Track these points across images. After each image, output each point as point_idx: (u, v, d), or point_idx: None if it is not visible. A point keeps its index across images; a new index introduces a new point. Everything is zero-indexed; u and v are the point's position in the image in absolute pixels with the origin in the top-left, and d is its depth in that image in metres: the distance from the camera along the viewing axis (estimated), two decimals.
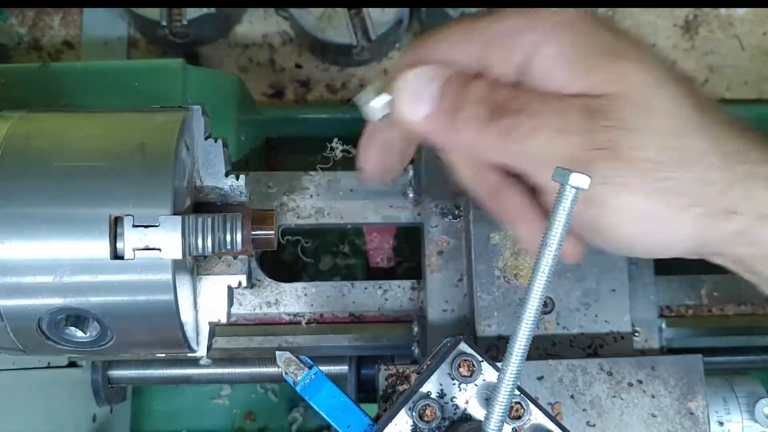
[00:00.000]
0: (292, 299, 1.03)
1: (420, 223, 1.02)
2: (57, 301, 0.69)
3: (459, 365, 0.76)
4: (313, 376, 0.78)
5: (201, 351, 0.81)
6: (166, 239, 0.68)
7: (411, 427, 0.75)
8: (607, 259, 0.94)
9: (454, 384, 0.76)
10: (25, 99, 1.08)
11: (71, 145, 0.73)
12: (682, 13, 1.52)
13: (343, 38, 1.34)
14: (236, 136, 1.14)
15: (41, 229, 0.68)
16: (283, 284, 1.03)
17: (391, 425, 0.75)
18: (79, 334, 0.72)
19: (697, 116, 0.68)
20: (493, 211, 0.77)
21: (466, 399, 0.76)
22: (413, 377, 0.82)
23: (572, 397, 0.86)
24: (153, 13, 1.32)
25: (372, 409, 0.80)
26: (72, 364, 1.11)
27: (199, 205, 0.83)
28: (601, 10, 1.51)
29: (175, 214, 0.69)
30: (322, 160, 1.01)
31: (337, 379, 1.15)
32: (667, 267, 1.05)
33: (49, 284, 0.68)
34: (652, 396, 0.87)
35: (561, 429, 0.75)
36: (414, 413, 0.75)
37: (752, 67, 1.52)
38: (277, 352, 0.79)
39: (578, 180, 0.59)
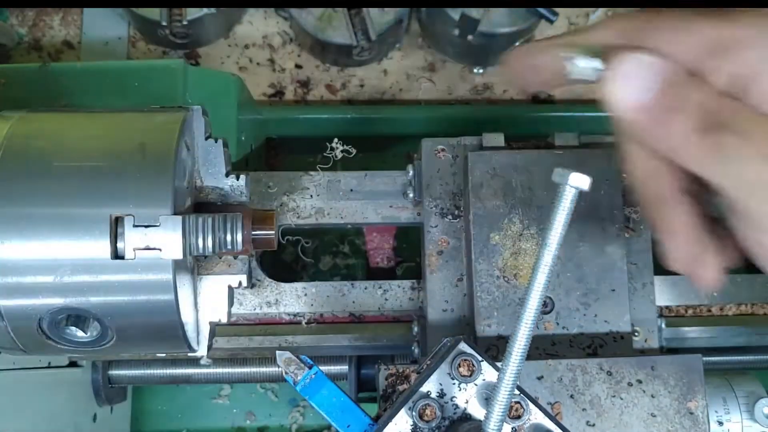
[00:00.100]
0: (292, 299, 1.03)
1: (420, 223, 1.02)
2: (57, 300, 0.70)
3: (459, 365, 0.76)
4: (313, 376, 0.78)
5: (201, 351, 0.81)
6: (167, 239, 0.68)
7: (411, 427, 0.75)
8: (607, 259, 0.95)
9: (454, 384, 0.76)
10: (25, 99, 1.08)
11: (71, 145, 0.73)
12: None
13: (343, 38, 1.34)
14: (236, 136, 1.14)
15: (41, 229, 0.68)
16: (283, 284, 1.04)
17: (391, 425, 0.75)
18: (80, 333, 0.72)
19: None
20: (651, 214, 0.73)
21: (466, 399, 0.76)
22: (413, 377, 0.82)
23: (572, 396, 0.87)
24: (153, 13, 1.32)
25: (372, 408, 0.80)
26: (72, 364, 1.11)
27: (200, 205, 0.83)
28: (600, 10, 1.51)
29: (175, 214, 0.69)
30: (322, 160, 1.01)
31: (337, 379, 1.15)
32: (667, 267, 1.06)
33: (50, 284, 0.69)
34: (652, 396, 0.87)
35: (561, 429, 0.75)
36: (414, 413, 0.75)
37: None
38: (278, 352, 0.79)
39: (578, 180, 0.59)
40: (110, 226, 0.68)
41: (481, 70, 1.48)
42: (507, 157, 0.97)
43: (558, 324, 0.94)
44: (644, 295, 0.98)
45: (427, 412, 0.75)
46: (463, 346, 0.77)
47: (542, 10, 1.30)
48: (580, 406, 0.86)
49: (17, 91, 1.09)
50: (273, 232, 0.83)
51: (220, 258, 0.83)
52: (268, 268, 1.09)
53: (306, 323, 1.04)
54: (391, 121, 1.40)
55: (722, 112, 0.63)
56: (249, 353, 1.10)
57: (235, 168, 0.87)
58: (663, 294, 1.03)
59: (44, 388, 1.04)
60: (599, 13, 1.51)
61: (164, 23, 1.32)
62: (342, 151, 1.01)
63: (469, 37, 1.34)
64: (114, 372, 1.17)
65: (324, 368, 1.15)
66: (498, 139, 1.01)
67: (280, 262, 1.45)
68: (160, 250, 0.68)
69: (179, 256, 0.69)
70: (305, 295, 1.03)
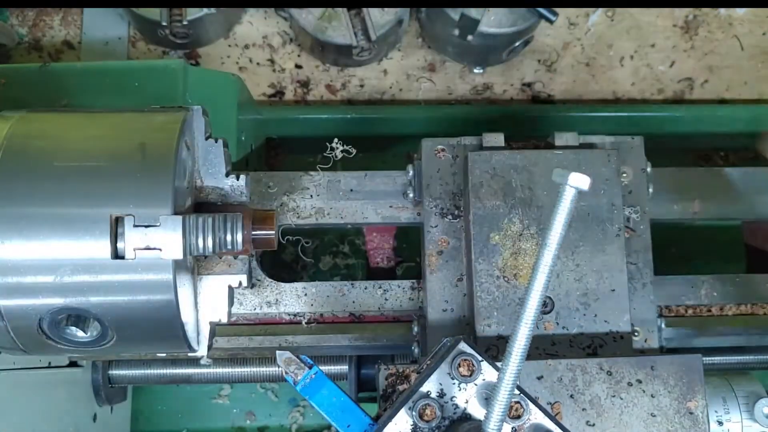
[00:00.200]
0: (292, 299, 1.03)
1: (420, 223, 1.02)
2: (58, 300, 0.70)
3: (459, 365, 0.76)
4: (313, 376, 0.78)
5: (201, 351, 0.81)
6: (167, 239, 0.68)
7: (411, 427, 0.75)
8: (607, 259, 0.95)
9: (453, 383, 0.76)
10: (25, 99, 1.08)
11: (71, 145, 0.73)
12: (681, 13, 1.52)
13: (343, 38, 1.34)
14: (236, 136, 1.14)
15: (41, 229, 0.68)
16: (283, 284, 1.04)
17: (391, 424, 0.75)
18: (80, 333, 0.72)
19: None
20: None
21: (466, 398, 0.76)
22: (413, 377, 0.82)
23: (572, 396, 0.87)
24: (153, 13, 1.32)
25: (372, 408, 0.80)
26: (73, 364, 1.11)
27: (200, 205, 0.83)
28: (600, 10, 1.51)
29: (175, 214, 0.69)
30: (322, 160, 1.01)
31: (337, 379, 1.15)
32: (667, 267, 1.06)
33: (50, 284, 0.69)
34: (652, 396, 0.87)
35: (561, 428, 0.76)
36: (414, 413, 0.75)
37: (752, 68, 1.52)
38: (278, 352, 0.79)
39: (578, 180, 0.59)
40: (110, 226, 0.68)
41: (481, 70, 1.48)
42: (507, 157, 0.97)
43: (558, 324, 0.94)
44: (644, 295, 0.98)
45: (427, 411, 0.75)
46: (463, 346, 0.77)
47: (542, 10, 1.30)
48: (580, 406, 0.86)
49: (17, 91, 1.09)
50: (273, 232, 0.83)
51: (220, 258, 0.83)
52: (268, 268, 1.09)
53: (306, 323, 1.04)
54: (391, 121, 1.40)
55: None
56: (249, 353, 1.10)
57: (235, 168, 0.87)
58: (663, 294, 1.03)
59: (44, 388, 1.04)
60: (599, 12, 1.51)
61: (164, 23, 1.32)
62: (342, 151, 1.01)
63: (469, 37, 1.34)
64: (114, 372, 1.17)
65: (324, 368, 1.15)
66: (498, 139, 1.01)
67: (280, 262, 1.45)
68: (160, 250, 0.68)
69: (179, 256, 0.69)
70: (305, 295, 1.03)
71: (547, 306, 0.94)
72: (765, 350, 1.16)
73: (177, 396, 1.43)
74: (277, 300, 1.03)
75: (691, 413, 0.86)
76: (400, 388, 0.83)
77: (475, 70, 1.48)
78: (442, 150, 1.02)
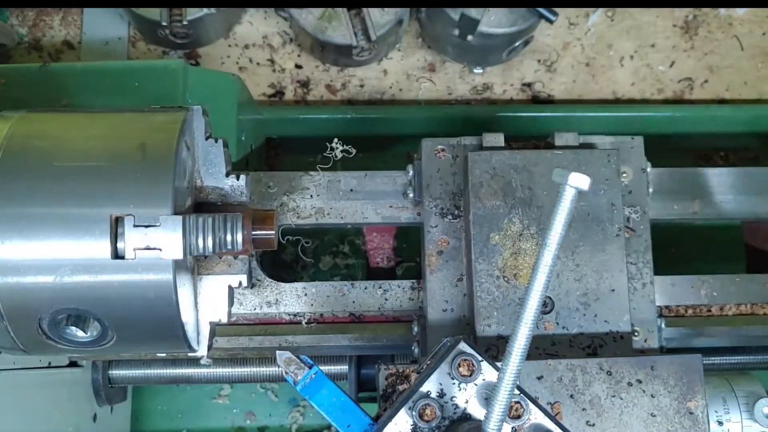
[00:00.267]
0: (292, 299, 1.03)
1: (420, 223, 1.02)
2: (58, 300, 0.70)
3: (459, 365, 0.76)
4: (313, 376, 0.78)
5: (201, 351, 0.81)
6: (167, 239, 0.68)
7: (411, 427, 0.75)
8: (607, 259, 0.95)
9: (453, 383, 0.76)
10: (25, 99, 1.08)
11: (71, 145, 0.73)
12: (681, 13, 1.52)
13: (343, 38, 1.34)
14: (236, 136, 1.14)
15: (41, 229, 0.68)
16: (283, 284, 1.04)
17: (391, 424, 0.75)
18: (80, 333, 0.72)
19: None
20: None
21: (466, 398, 0.76)
22: (413, 377, 0.82)
23: (572, 396, 0.87)
24: (153, 13, 1.32)
25: (372, 408, 0.80)
26: (73, 364, 1.11)
27: (200, 205, 0.83)
28: (600, 10, 1.51)
29: (175, 214, 0.69)
30: (322, 160, 1.01)
31: (337, 379, 1.15)
32: (667, 267, 1.06)
33: (50, 284, 0.69)
34: (652, 396, 0.87)
35: (561, 428, 0.76)
36: (414, 412, 0.75)
37: (752, 68, 1.52)
38: (278, 352, 0.79)
39: (578, 180, 0.59)
40: (110, 226, 0.68)
41: (481, 70, 1.48)
42: (507, 157, 0.97)
43: (558, 324, 0.94)
44: (644, 295, 0.98)
45: (427, 411, 0.75)
46: (463, 346, 0.77)
47: (542, 10, 1.30)
48: (580, 405, 0.86)
49: (17, 91, 1.09)
50: (273, 232, 0.83)
51: (220, 258, 0.83)
52: (268, 268, 1.09)
53: (306, 323, 1.04)
54: (391, 121, 1.40)
55: None
56: (249, 353, 1.10)
57: (235, 168, 0.87)
58: (663, 294, 1.03)
59: (44, 388, 1.04)
60: (599, 12, 1.51)
61: (164, 23, 1.32)
62: (342, 151, 1.01)
63: (469, 37, 1.34)
64: (114, 372, 1.17)
65: (324, 368, 1.15)
66: (498, 139, 1.01)
67: (280, 262, 1.45)
68: (160, 250, 0.68)
69: (179, 256, 0.69)
70: (305, 295, 1.03)
71: (547, 306, 0.94)
72: (765, 350, 1.16)
73: (177, 396, 1.43)
74: (277, 300, 1.03)
75: (691, 413, 0.86)
76: (400, 388, 0.83)
77: (475, 70, 1.48)
78: (442, 150, 1.02)
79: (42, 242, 0.68)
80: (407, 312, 1.04)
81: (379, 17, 1.34)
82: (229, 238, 0.74)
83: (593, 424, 0.86)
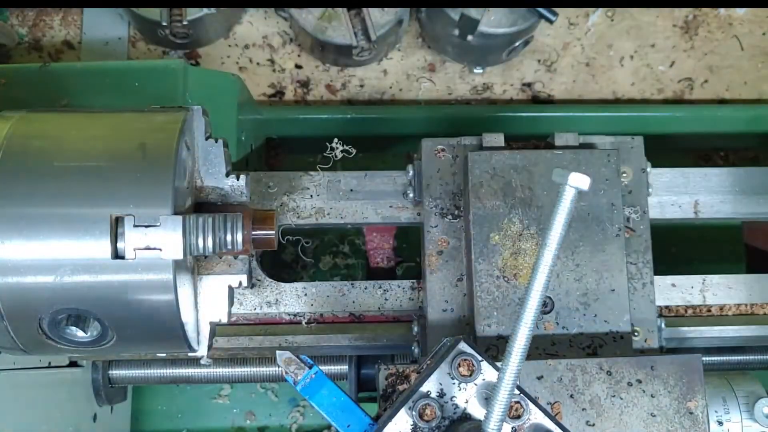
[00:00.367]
0: (292, 299, 1.03)
1: (420, 223, 1.02)
2: (58, 300, 0.70)
3: (459, 365, 0.76)
4: (313, 376, 0.78)
5: (201, 351, 0.81)
6: (167, 239, 0.68)
7: (411, 427, 0.75)
8: (607, 259, 0.95)
9: (453, 383, 0.76)
10: (25, 99, 1.08)
11: (72, 145, 0.73)
12: (681, 13, 1.52)
13: (343, 38, 1.34)
14: (236, 136, 1.14)
15: (41, 229, 0.68)
16: (283, 284, 1.04)
17: (391, 424, 0.75)
18: (80, 333, 0.72)
19: None
20: None
21: (466, 398, 0.76)
22: (413, 377, 0.82)
23: (572, 396, 0.87)
24: (153, 13, 1.32)
25: (372, 408, 0.80)
26: (73, 364, 1.11)
27: (200, 205, 0.83)
28: (600, 10, 1.51)
29: (175, 214, 0.69)
30: (322, 160, 1.01)
31: (337, 379, 1.15)
32: (667, 267, 1.06)
33: (50, 284, 0.69)
34: (652, 396, 0.87)
35: (560, 428, 0.76)
36: (414, 412, 0.75)
37: (752, 68, 1.52)
38: (278, 352, 0.79)
39: (578, 180, 0.59)
40: (110, 226, 0.68)
41: (481, 70, 1.48)
42: (507, 157, 0.97)
43: (558, 324, 0.94)
44: (644, 295, 0.98)
45: (427, 411, 0.75)
46: (463, 346, 0.77)
47: (542, 10, 1.30)
48: (580, 405, 0.86)
49: (17, 91, 1.09)
50: (273, 232, 0.83)
51: (221, 258, 0.83)
52: (268, 268, 1.09)
53: (306, 323, 1.04)
54: (391, 121, 1.40)
55: None
56: (249, 353, 1.10)
57: (235, 168, 0.87)
58: (663, 294, 1.03)
59: (44, 388, 1.04)
60: (599, 12, 1.51)
61: (164, 23, 1.32)
62: (342, 151, 1.01)
63: (469, 37, 1.34)
64: (114, 372, 1.17)
65: (324, 368, 1.15)
66: (498, 139, 1.01)
67: (280, 262, 1.45)
68: (160, 250, 0.68)
69: (179, 256, 0.69)
70: (305, 295, 1.03)
71: (547, 306, 0.94)
72: (765, 350, 1.16)
73: (177, 396, 1.43)
74: (277, 300, 1.03)
75: (691, 413, 0.86)
76: (400, 388, 0.83)
77: (475, 70, 1.48)
78: (442, 150, 1.02)
79: (42, 242, 0.68)
80: (407, 312, 1.04)
81: (379, 17, 1.34)
82: (229, 238, 0.74)
83: (593, 424, 0.86)
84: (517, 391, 0.74)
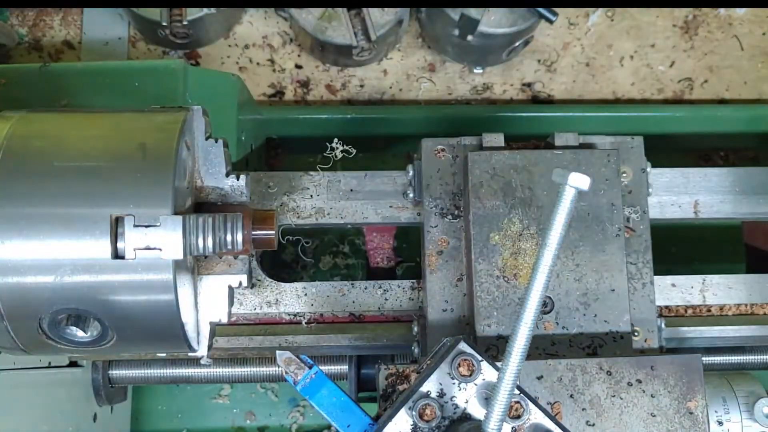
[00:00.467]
0: (293, 299, 1.03)
1: (420, 223, 1.02)
2: (58, 300, 0.70)
3: (459, 365, 0.77)
4: (313, 376, 0.78)
5: (201, 351, 0.81)
6: (167, 239, 0.68)
7: (411, 427, 0.75)
8: (607, 259, 0.95)
9: (453, 383, 0.76)
10: (25, 99, 1.08)
11: (72, 145, 0.73)
12: (681, 13, 1.52)
13: (343, 38, 1.34)
14: (236, 136, 1.14)
15: (42, 229, 0.68)
16: (283, 284, 1.04)
17: (391, 424, 0.75)
18: (80, 333, 0.72)
19: None
20: None
21: (466, 398, 0.76)
22: (413, 377, 0.82)
23: (572, 396, 0.87)
24: (153, 13, 1.32)
25: (372, 408, 0.80)
26: (73, 364, 1.11)
27: (200, 205, 0.83)
28: (600, 10, 1.51)
29: (175, 213, 0.69)
30: (322, 160, 1.01)
31: (337, 379, 1.15)
32: (667, 267, 1.06)
33: (50, 284, 0.69)
34: (652, 395, 0.87)
35: (560, 428, 0.76)
36: (414, 412, 0.75)
37: (751, 68, 1.52)
38: (278, 352, 0.79)
39: (578, 180, 0.59)
40: (110, 226, 0.68)
41: (481, 70, 1.49)
42: (507, 157, 0.97)
43: (558, 324, 0.94)
44: (644, 295, 0.98)
45: (427, 411, 0.75)
46: (463, 346, 0.77)
47: (542, 10, 1.30)
48: (580, 405, 0.86)
49: (17, 91, 1.09)
50: (273, 232, 0.83)
51: (221, 258, 0.83)
52: (268, 268, 1.09)
53: (306, 323, 1.04)
54: (391, 121, 1.40)
55: None
56: (249, 353, 1.10)
57: (235, 168, 0.87)
58: (663, 294, 1.03)
59: (44, 388, 1.04)
60: (599, 12, 1.51)
61: (164, 23, 1.32)
62: (342, 151, 1.01)
63: (469, 37, 1.34)
64: (114, 372, 1.17)
65: (324, 368, 1.15)
66: (498, 139, 1.01)
67: (280, 262, 1.45)
68: (160, 250, 0.68)
69: (179, 256, 0.69)
70: (305, 295, 1.03)
71: (547, 306, 0.94)
72: (765, 350, 1.16)
73: (177, 396, 1.43)
74: (277, 300, 1.03)
75: (691, 413, 0.86)
76: (400, 388, 0.83)
77: (475, 70, 1.48)
78: (442, 150, 1.02)
79: (42, 242, 0.68)
80: (407, 312, 1.04)
81: (379, 17, 1.34)
82: (229, 238, 0.74)
83: (593, 424, 0.86)
84: (517, 391, 0.74)
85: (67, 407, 1.10)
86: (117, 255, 0.68)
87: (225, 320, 0.82)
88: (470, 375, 0.76)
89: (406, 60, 1.49)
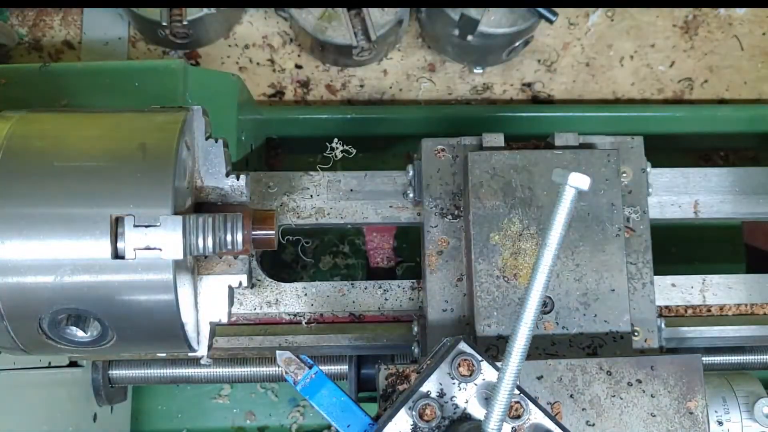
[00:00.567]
0: (293, 299, 1.03)
1: (420, 223, 1.02)
2: (58, 300, 0.70)
3: (459, 365, 0.77)
4: (313, 376, 0.78)
5: (201, 351, 0.81)
6: (167, 239, 0.68)
7: (411, 427, 0.75)
8: (607, 259, 0.95)
9: (453, 383, 0.76)
10: (25, 99, 1.08)
11: (72, 145, 0.73)
12: (681, 13, 1.52)
13: (343, 38, 1.34)
14: (236, 136, 1.14)
15: (42, 229, 0.68)
16: (283, 284, 1.04)
17: (391, 424, 0.75)
18: (80, 333, 0.72)
19: None
20: None
21: (466, 398, 0.76)
22: (413, 377, 0.82)
23: (572, 396, 0.87)
24: (153, 13, 1.32)
25: (372, 408, 0.80)
26: (73, 364, 1.11)
27: (200, 205, 0.83)
28: (600, 10, 1.51)
29: (175, 214, 0.69)
30: (322, 160, 1.01)
31: (337, 379, 1.15)
32: (667, 267, 1.06)
33: (50, 284, 0.69)
34: (652, 396, 0.87)
35: (560, 428, 0.76)
36: (414, 412, 0.75)
37: (751, 68, 1.52)
38: (278, 352, 0.79)
39: (578, 180, 0.59)
40: (110, 226, 0.68)
41: (480, 70, 1.49)
42: (507, 157, 0.97)
43: (558, 324, 0.94)
44: (644, 295, 0.98)
45: (427, 411, 0.75)
46: (463, 346, 0.77)
47: (542, 10, 1.30)
48: (580, 405, 0.86)
49: (17, 91, 1.09)
50: (273, 232, 0.83)
51: (221, 258, 0.83)
52: (268, 268, 1.09)
53: (306, 323, 1.04)
54: (391, 121, 1.40)
55: None
56: (249, 353, 1.10)
57: (235, 168, 0.87)
58: (663, 294, 1.03)
59: (44, 388, 1.04)
60: (599, 12, 1.51)
61: (164, 23, 1.32)
62: (342, 151, 1.01)
63: (469, 37, 1.34)
64: (114, 372, 1.17)
65: (324, 368, 1.15)
66: (498, 139, 1.01)
67: (280, 262, 1.45)
68: (160, 250, 0.68)
69: (179, 256, 0.69)
70: (305, 295, 1.03)
71: (547, 306, 0.94)
72: (765, 350, 1.16)
73: (177, 396, 1.43)
74: (277, 300, 1.03)
75: (691, 413, 0.86)
76: (400, 388, 0.83)
77: (475, 70, 1.48)
78: (442, 150, 1.02)
79: (42, 242, 0.68)
80: (407, 312, 1.04)
81: (379, 17, 1.34)
82: (229, 238, 0.74)
83: (593, 424, 0.86)
84: (517, 391, 0.74)
85: (67, 407, 1.10)
86: (117, 255, 0.68)
87: (225, 320, 0.82)
88: (470, 375, 0.76)
89: (406, 60, 1.49)
